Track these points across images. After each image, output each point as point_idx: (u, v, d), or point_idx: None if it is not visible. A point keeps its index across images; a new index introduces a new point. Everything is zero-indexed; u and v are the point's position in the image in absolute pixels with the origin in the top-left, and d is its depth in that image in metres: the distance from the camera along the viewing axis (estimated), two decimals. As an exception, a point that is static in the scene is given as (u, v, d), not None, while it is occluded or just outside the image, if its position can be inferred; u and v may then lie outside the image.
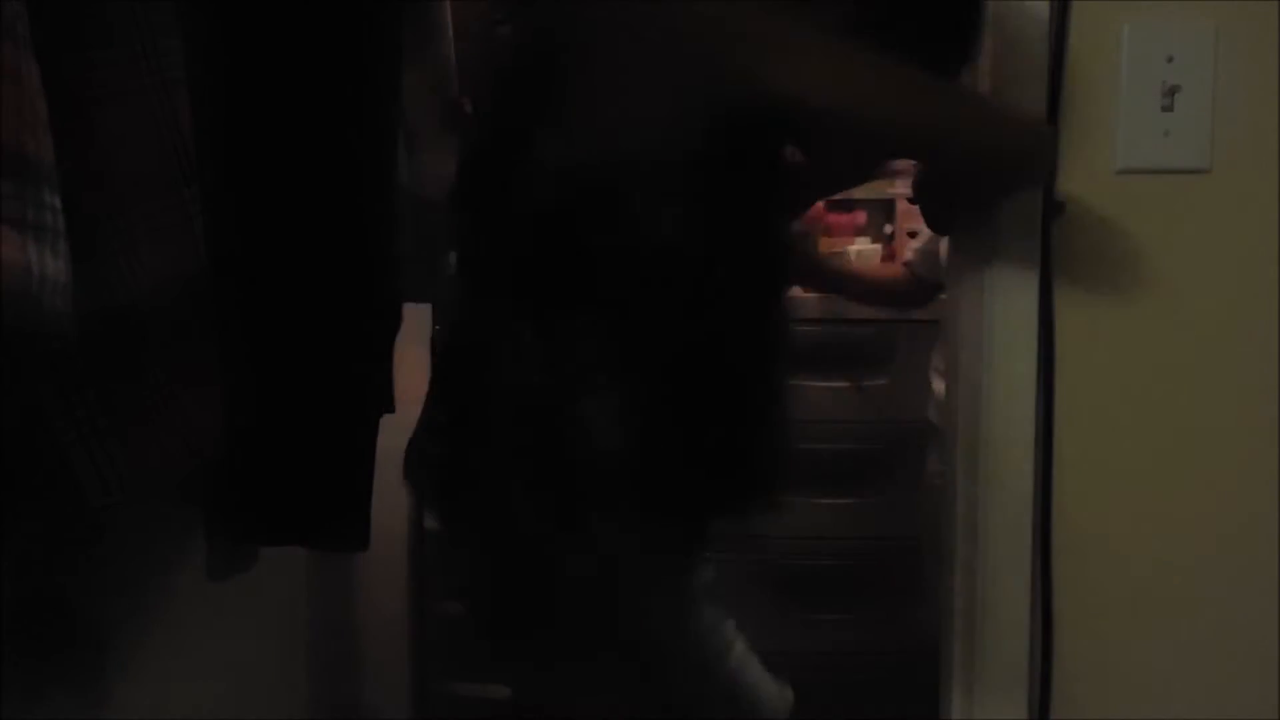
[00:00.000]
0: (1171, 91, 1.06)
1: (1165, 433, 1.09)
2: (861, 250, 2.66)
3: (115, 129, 0.76)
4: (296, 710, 1.54)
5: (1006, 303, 1.08)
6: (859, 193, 2.56)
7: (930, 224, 1.48)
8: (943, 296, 1.73)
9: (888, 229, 2.87)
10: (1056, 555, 1.09)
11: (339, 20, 0.99)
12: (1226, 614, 1.10)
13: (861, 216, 2.77)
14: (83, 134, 0.74)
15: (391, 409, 1.28)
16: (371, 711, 2.11)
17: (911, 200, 1.47)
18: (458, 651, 2.43)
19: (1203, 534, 1.09)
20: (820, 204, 2.57)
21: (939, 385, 1.98)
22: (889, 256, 2.79)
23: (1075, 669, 1.10)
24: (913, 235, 2.85)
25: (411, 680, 2.45)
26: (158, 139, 0.79)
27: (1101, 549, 1.10)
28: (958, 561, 1.13)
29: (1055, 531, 1.09)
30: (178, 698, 1.16)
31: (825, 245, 2.62)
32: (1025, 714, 1.10)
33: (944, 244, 2.14)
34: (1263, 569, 1.09)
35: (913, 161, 1.34)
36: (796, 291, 2.68)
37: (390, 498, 2.28)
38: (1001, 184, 1.06)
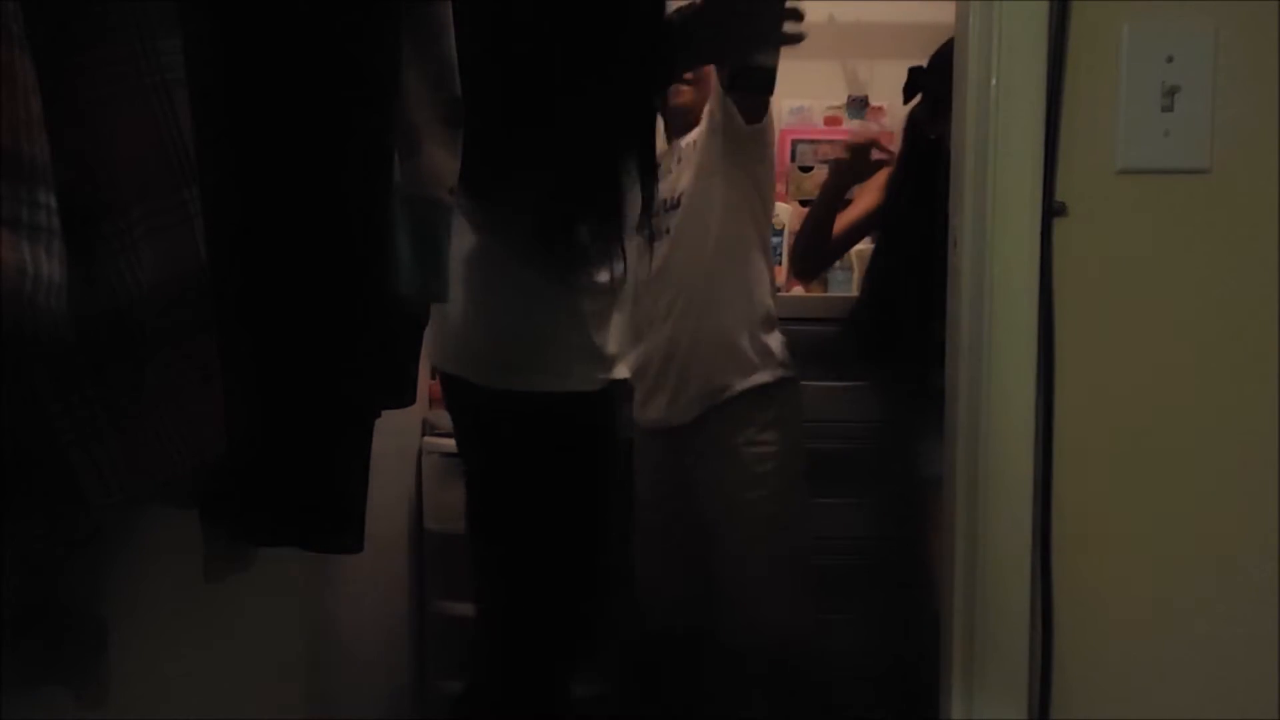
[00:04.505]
0: (1171, 91, 1.06)
1: (1165, 432, 1.09)
2: (861, 250, 2.65)
3: (115, 129, 0.76)
4: (296, 711, 1.54)
5: (1006, 303, 1.08)
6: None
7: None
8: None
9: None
10: (1056, 555, 1.09)
11: (339, 19, 0.99)
12: (1226, 614, 1.10)
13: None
14: (82, 134, 0.74)
15: (413, 401, 1.32)
16: (372, 711, 2.11)
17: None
18: (458, 651, 2.43)
19: (1203, 534, 1.10)
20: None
21: None
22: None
23: (1075, 669, 1.10)
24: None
25: (411, 680, 2.45)
26: (158, 139, 0.79)
27: (1101, 549, 1.10)
28: (958, 561, 1.13)
29: (1055, 531, 1.09)
30: (177, 698, 1.16)
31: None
32: (1025, 714, 1.10)
33: None
34: (1263, 569, 1.09)
35: None
36: (798, 291, 2.68)
37: (390, 498, 2.29)
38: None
